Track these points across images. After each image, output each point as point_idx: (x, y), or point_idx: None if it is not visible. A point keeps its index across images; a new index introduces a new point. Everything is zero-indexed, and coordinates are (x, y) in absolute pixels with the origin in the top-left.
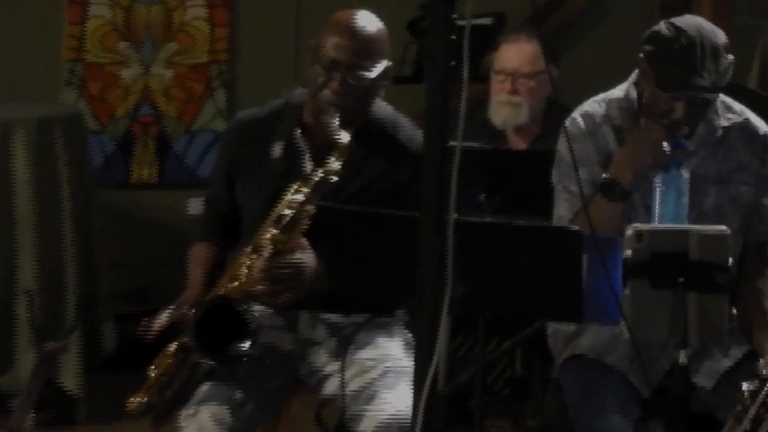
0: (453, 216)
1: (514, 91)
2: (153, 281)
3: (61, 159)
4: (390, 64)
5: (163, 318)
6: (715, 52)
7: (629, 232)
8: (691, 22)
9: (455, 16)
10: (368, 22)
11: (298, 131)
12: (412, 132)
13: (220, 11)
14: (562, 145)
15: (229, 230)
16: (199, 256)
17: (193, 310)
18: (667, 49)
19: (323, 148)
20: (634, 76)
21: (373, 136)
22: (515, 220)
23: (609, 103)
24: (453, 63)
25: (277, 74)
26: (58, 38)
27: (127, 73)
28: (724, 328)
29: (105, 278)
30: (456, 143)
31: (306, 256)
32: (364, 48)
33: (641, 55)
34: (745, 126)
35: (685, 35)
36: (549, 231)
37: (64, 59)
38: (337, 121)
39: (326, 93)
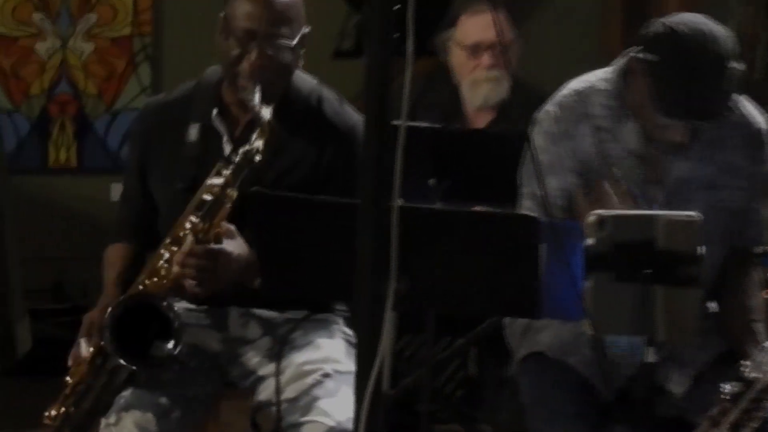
0: (397, 202)
1: (493, 65)
2: (71, 275)
3: None
4: (308, 29)
5: (83, 349)
6: (721, 68)
7: (591, 218)
8: (696, 27)
9: None
10: None
11: (215, 111)
12: (338, 105)
13: None
14: (536, 141)
15: (148, 229)
16: (113, 258)
17: (109, 310)
18: (668, 66)
19: (244, 128)
20: (620, 63)
21: (295, 112)
22: (465, 207)
23: (591, 96)
24: (396, 35)
25: (207, 48)
26: None
27: (42, 47)
28: (695, 324)
29: (18, 272)
30: (400, 122)
31: (233, 244)
32: (281, 14)
33: (639, 57)
34: (738, 121)
35: (689, 51)
36: (502, 217)
37: None
38: (258, 97)
39: (244, 67)
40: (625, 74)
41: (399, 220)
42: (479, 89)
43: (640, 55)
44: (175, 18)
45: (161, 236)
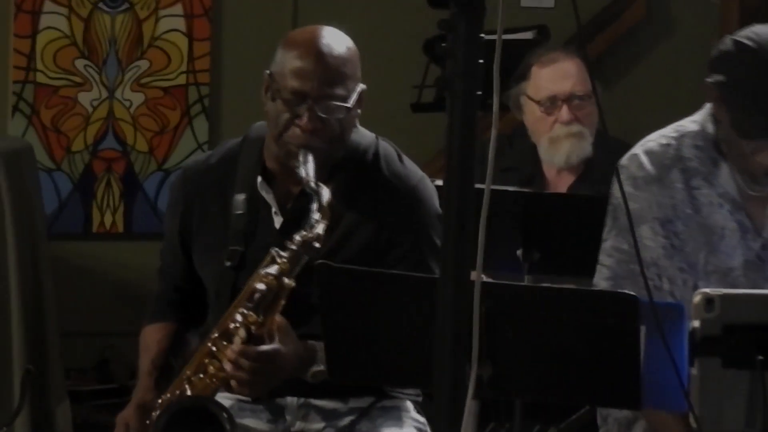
0: (480, 277)
1: (573, 120)
2: (117, 353)
3: (4, 203)
4: (364, 87)
5: None
6: None
7: (697, 298)
8: (763, 37)
9: (482, 34)
10: (335, 40)
11: (259, 179)
12: (398, 164)
13: (201, 22)
14: (617, 191)
15: (190, 306)
16: (148, 341)
17: (156, 416)
18: (742, 83)
19: (293, 198)
20: (710, 106)
21: (350, 172)
22: (557, 283)
23: (681, 139)
24: (479, 92)
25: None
26: (2, 54)
27: (86, 98)
28: None
29: (58, 349)
30: (485, 186)
31: (285, 343)
32: (335, 72)
33: (710, 82)
34: None
35: (763, 62)
36: (598, 296)
37: (9, 80)
38: (311, 168)
39: (294, 132)
40: (714, 115)
41: (482, 297)
42: (560, 147)
43: (710, 80)
44: (236, 65)
45: (207, 314)
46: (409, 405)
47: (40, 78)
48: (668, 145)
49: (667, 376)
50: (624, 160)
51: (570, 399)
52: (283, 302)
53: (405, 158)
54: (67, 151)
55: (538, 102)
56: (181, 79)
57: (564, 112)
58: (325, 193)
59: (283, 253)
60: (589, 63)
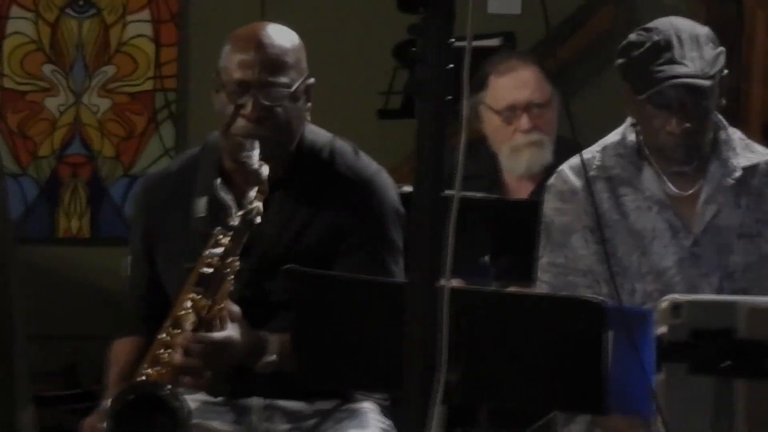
0: (449, 283)
1: (532, 128)
2: (83, 357)
3: None
4: (313, 81)
5: None
6: (696, 40)
7: (664, 304)
8: (664, 20)
9: (452, 39)
10: (277, 32)
11: (218, 181)
12: (352, 157)
13: (169, 28)
14: (548, 207)
15: (159, 318)
16: (117, 355)
17: (108, 404)
18: (638, 51)
19: (244, 193)
20: (629, 118)
21: (305, 169)
22: (524, 289)
23: (604, 150)
24: (449, 97)
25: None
26: None
27: (53, 103)
28: None
29: (24, 353)
30: (453, 192)
31: (236, 331)
32: (277, 61)
33: (616, 66)
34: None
35: (656, 32)
36: (565, 301)
37: None
38: (256, 154)
39: (240, 123)
40: (635, 124)
41: (450, 303)
42: (521, 156)
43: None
44: (203, 72)
45: None
46: (375, 408)
47: (7, 83)
48: (592, 157)
49: (634, 381)
50: (551, 178)
51: (537, 404)
52: (231, 283)
53: (361, 153)
54: (34, 156)
55: (497, 111)
56: (148, 85)
57: (524, 121)
58: (264, 170)
59: (225, 233)
60: (558, 69)
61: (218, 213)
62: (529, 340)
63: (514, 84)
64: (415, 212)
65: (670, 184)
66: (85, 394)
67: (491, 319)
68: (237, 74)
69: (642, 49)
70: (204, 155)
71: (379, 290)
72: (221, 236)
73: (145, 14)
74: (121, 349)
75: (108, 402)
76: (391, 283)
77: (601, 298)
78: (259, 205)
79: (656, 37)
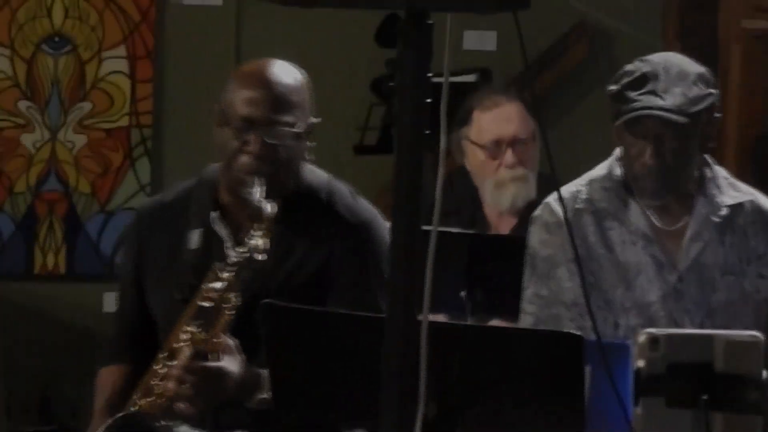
0: (427, 317)
1: (517, 163)
2: (59, 393)
3: None
4: (317, 120)
5: None
6: (684, 77)
7: (642, 337)
8: (663, 54)
9: (430, 74)
10: (284, 70)
11: (215, 214)
12: (350, 200)
13: (144, 64)
14: (533, 239)
15: (145, 347)
16: (103, 383)
17: None
18: (626, 79)
19: (248, 231)
20: (618, 151)
21: (303, 209)
22: (503, 323)
23: (590, 184)
24: (427, 132)
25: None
26: None
27: (29, 139)
28: None
29: (1, 388)
30: (431, 227)
31: (232, 362)
32: (283, 99)
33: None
34: (757, 208)
35: (648, 63)
36: (543, 335)
37: None
38: (259, 192)
39: (243, 159)
40: (622, 158)
41: (429, 337)
42: (505, 191)
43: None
44: (179, 108)
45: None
46: None
47: None
48: (578, 191)
49: (612, 414)
50: (537, 210)
51: None
52: (228, 318)
53: (358, 197)
54: (9, 193)
55: (481, 146)
56: (124, 121)
57: (508, 156)
58: (268, 209)
59: (226, 268)
60: (536, 101)
61: (212, 246)
62: (506, 373)
63: (499, 119)
64: (392, 246)
65: (654, 220)
66: (60, 430)
67: (470, 352)
68: (243, 111)
69: (630, 78)
70: (199, 188)
71: (355, 324)
72: (221, 271)
73: (121, 50)
74: (107, 378)
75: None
76: (370, 317)
77: (578, 332)
78: (263, 242)
79: (645, 69)
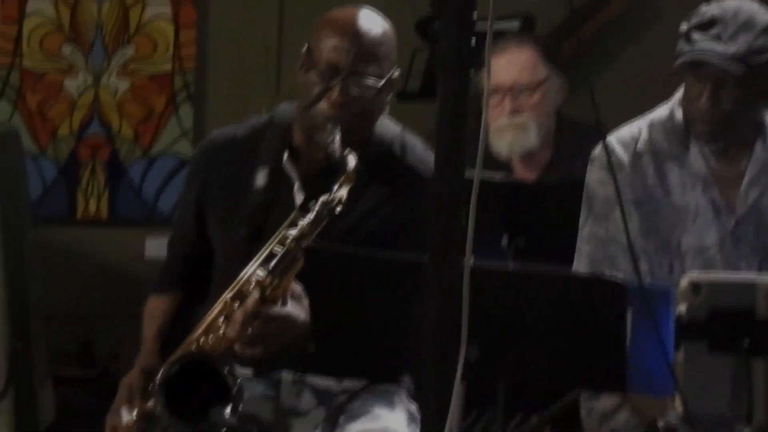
0: (470, 261)
1: (515, 110)
2: (101, 337)
3: None
4: (399, 71)
5: (123, 417)
6: (751, 26)
7: (684, 282)
8: (738, 0)
9: (474, 16)
10: (373, 21)
11: (286, 154)
12: (424, 154)
13: (188, 9)
14: (592, 178)
15: (198, 279)
16: (154, 311)
17: (161, 370)
18: (695, 20)
19: (316, 174)
20: (680, 92)
21: (375, 159)
22: (543, 268)
23: (651, 125)
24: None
25: (256, 88)
26: None
27: (72, 84)
28: None
29: (42, 333)
30: (474, 173)
31: (298, 308)
32: (371, 50)
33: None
34: None
35: (720, 7)
36: (585, 280)
37: None
38: (337, 140)
39: (323, 106)
40: (684, 100)
41: (470, 281)
42: (503, 138)
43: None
44: (221, 53)
45: (215, 287)
46: (402, 391)
47: (27, 63)
48: (638, 132)
49: (653, 360)
50: (597, 149)
51: (556, 383)
52: (299, 265)
53: (430, 149)
54: (53, 137)
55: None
56: (167, 67)
57: (506, 104)
58: (351, 160)
59: (304, 216)
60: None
61: (279, 186)
62: (549, 318)
63: (501, 66)
64: (434, 192)
65: (714, 164)
66: (102, 374)
67: (511, 296)
68: (330, 57)
69: (698, 19)
70: (271, 127)
71: (400, 268)
72: (299, 218)
73: None
74: (158, 305)
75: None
76: (412, 261)
77: (621, 279)
78: (343, 194)
79: (715, 12)
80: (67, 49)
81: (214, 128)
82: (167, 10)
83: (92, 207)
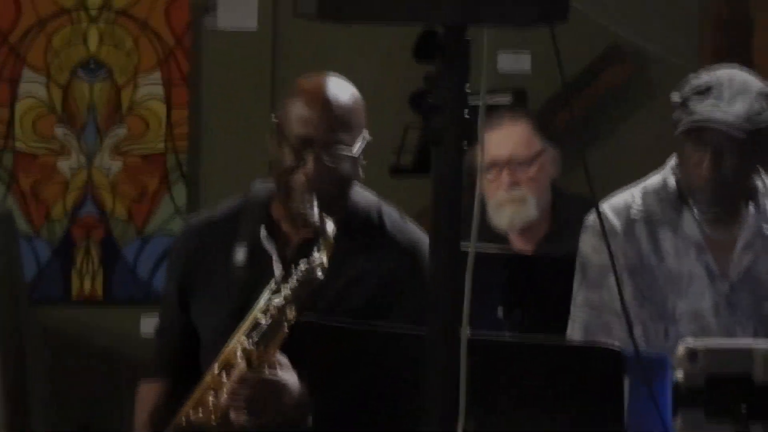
0: (467, 332)
1: (513, 184)
2: (99, 418)
3: None
4: (369, 138)
5: None
6: (746, 91)
7: (680, 350)
8: (728, 68)
9: (468, 90)
10: (341, 89)
11: (263, 230)
12: (400, 221)
13: (180, 89)
14: (586, 246)
15: (187, 364)
16: (145, 397)
17: None
18: (690, 90)
19: (297, 247)
20: (672, 160)
21: (354, 228)
22: (539, 337)
23: (645, 193)
24: (465, 146)
25: (249, 166)
26: None
27: (65, 165)
28: None
29: (40, 416)
30: (469, 245)
31: (288, 375)
32: (341, 119)
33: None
34: None
35: (713, 75)
36: (581, 349)
37: None
38: (316, 210)
39: (298, 177)
40: (677, 167)
41: (468, 352)
42: (503, 212)
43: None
44: (214, 132)
45: (203, 370)
46: None
47: (20, 145)
48: (632, 199)
49: (651, 427)
50: (590, 217)
51: None
52: (285, 334)
53: (407, 218)
54: (47, 218)
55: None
56: (160, 147)
57: (503, 177)
58: (329, 226)
59: (287, 284)
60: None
61: (260, 262)
62: (546, 387)
63: (497, 140)
64: (432, 265)
65: (707, 229)
66: None
67: (508, 367)
68: (300, 130)
69: (694, 89)
70: (247, 205)
71: (397, 341)
72: (280, 286)
73: (156, 76)
74: (149, 392)
75: None
76: (409, 333)
77: (617, 346)
78: (324, 259)
79: (710, 80)
80: (59, 131)
81: (207, 206)
82: (160, 90)
83: (87, 287)
